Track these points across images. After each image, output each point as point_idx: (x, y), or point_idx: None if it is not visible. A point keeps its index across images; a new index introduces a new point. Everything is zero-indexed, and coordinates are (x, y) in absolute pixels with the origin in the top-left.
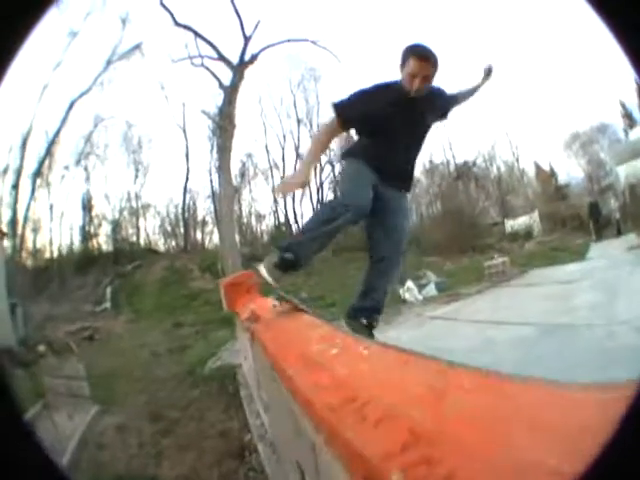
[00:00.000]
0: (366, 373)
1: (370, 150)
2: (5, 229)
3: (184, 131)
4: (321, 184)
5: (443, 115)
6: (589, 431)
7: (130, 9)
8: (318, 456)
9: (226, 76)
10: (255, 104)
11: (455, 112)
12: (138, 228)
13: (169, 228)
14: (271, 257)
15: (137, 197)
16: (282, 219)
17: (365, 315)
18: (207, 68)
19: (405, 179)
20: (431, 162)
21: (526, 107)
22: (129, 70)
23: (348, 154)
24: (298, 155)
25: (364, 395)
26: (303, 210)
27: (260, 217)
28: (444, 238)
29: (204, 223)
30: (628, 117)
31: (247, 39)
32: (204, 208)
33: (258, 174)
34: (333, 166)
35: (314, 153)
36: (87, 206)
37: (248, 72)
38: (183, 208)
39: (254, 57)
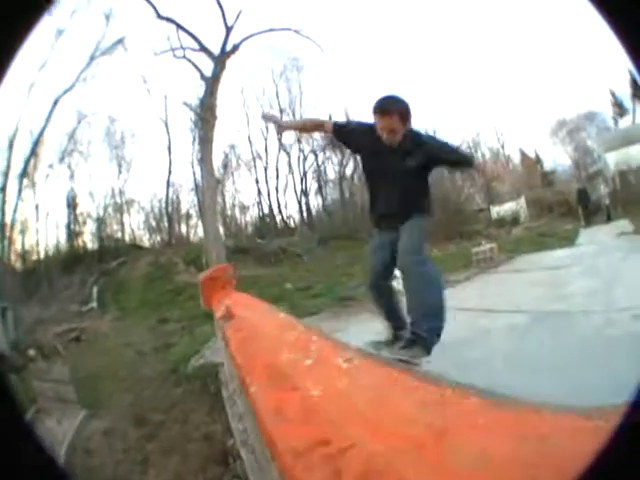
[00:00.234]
0: (344, 398)
1: (371, 201)
2: None
3: (166, 124)
4: (304, 174)
5: (433, 160)
6: (570, 460)
7: (113, 4)
8: None
9: (208, 67)
10: (237, 95)
11: (439, 98)
12: (123, 224)
13: (153, 223)
14: None
15: (121, 193)
16: (266, 210)
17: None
18: (189, 60)
19: (400, 218)
20: None
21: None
22: (112, 65)
23: (370, 217)
24: (281, 145)
25: (340, 435)
26: (287, 200)
27: (244, 208)
28: None
29: (188, 216)
30: (618, 106)
31: (229, 29)
32: (188, 201)
33: (241, 165)
34: (316, 155)
35: (300, 125)
36: (72, 204)
37: (230, 63)
38: (167, 202)
39: (236, 47)
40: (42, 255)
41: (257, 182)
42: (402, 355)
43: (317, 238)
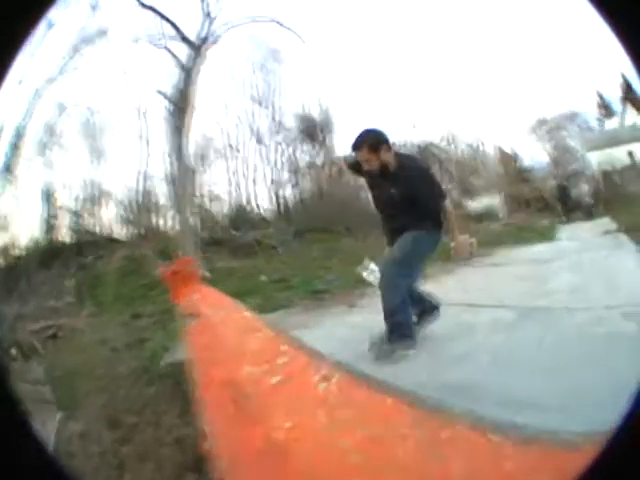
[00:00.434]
0: (323, 436)
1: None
2: None
3: (144, 115)
4: (281, 166)
5: (416, 196)
6: None
7: None
8: None
9: (188, 58)
10: (216, 86)
11: (416, 93)
12: (100, 217)
13: (129, 215)
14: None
15: (98, 185)
16: (242, 202)
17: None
18: (169, 50)
19: (398, 235)
20: (393, 144)
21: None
22: (93, 56)
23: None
24: (258, 137)
25: None
26: (262, 192)
27: (219, 200)
28: None
29: (163, 208)
30: (605, 107)
31: (210, 20)
32: (163, 193)
33: (218, 157)
34: (292, 147)
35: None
36: (49, 198)
37: (210, 53)
38: (143, 194)
39: (217, 38)
40: (22, 251)
41: (233, 174)
42: (392, 352)
43: (293, 230)
